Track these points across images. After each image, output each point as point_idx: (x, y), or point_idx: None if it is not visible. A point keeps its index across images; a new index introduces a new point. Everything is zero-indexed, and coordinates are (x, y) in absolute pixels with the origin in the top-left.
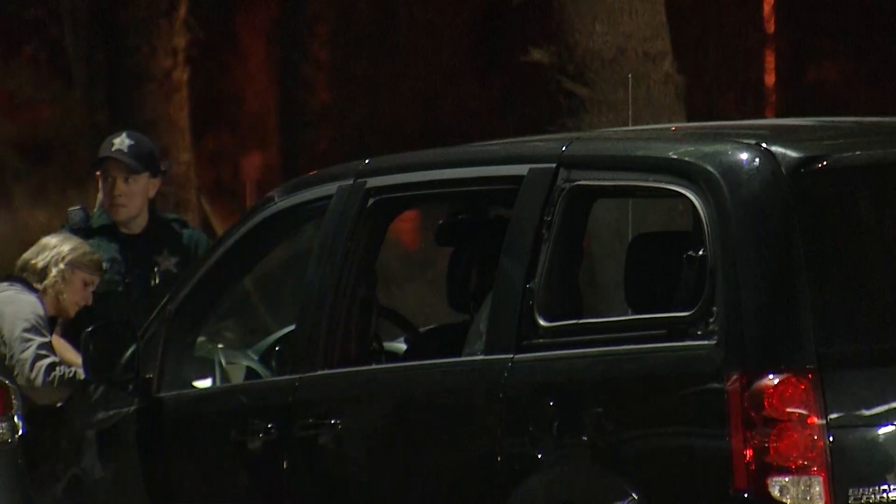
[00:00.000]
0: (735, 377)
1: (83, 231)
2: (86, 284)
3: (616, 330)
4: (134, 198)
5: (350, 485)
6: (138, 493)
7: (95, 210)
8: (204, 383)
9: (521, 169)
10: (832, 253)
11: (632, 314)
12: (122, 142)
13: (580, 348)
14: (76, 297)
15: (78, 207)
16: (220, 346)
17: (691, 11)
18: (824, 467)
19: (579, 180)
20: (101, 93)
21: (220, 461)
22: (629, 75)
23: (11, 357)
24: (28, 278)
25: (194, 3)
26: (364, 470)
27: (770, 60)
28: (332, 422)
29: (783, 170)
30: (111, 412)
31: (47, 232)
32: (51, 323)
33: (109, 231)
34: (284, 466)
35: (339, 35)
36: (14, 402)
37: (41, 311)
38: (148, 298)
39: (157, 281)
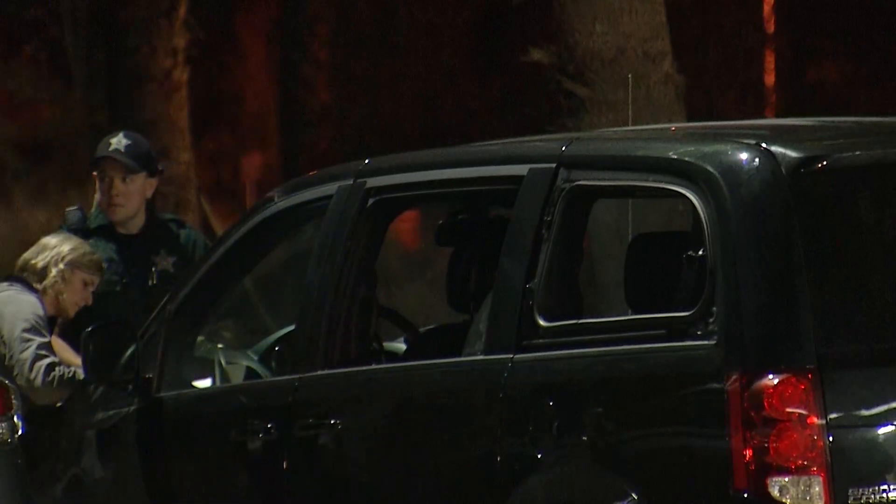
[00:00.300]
0: (735, 377)
1: (80, 231)
2: (86, 284)
3: (616, 330)
4: (131, 197)
5: (350, 485)
6: (138, 494)
7: (93, 210)
8: (204, 383)
9: (521, 169)
10: (832, 253)
11: (632, 314)
12: (119, 141)
13: (580, 348)
14: (76, 298)
15: (75, 208)
16: (220, 346)
17: (691, 11)
18: (824, 467)
19: (579, 180)
20: (101, 93)
21: (220, 461)
22: (629, 75)
23: (11, 357)
24: (28, 278)
25: (194, 4)
26: (364, 470)
27: (770, 60)
28: (332, 422)
29: (783, 170)
30: (111, 412)
31: (47, 232)
32: (50, 323)
33: (107, 231)
34: (284, 466)
35: (339, 35)
36: (14, 402)
37: (41, 312)
38: (146, 298)
39: (154, 281)
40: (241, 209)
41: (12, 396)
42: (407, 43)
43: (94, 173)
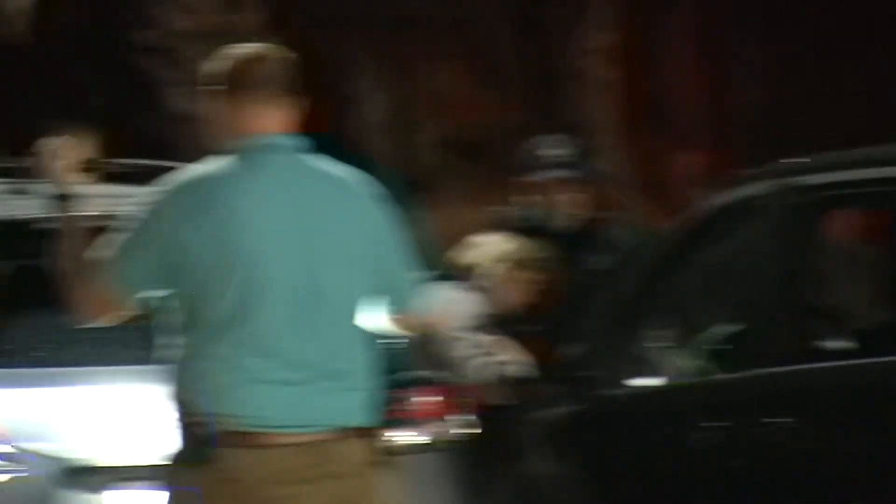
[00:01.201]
0: None
1: (515, 230)
2: (528, 283)
3: None
4: (580, 207)
5: (807, 487)
6: (586, 494)
7: (528, 209)
8: (646, 382)
9: None
10: None
11: None
12: (559, 154)
13: None
14: (519, 296)
15: (507, 207)
16: (661, 344)
17: None
18: None
19: None
20: (532, 92)
21: (666, 461)
22: None
23: (456, 356)
24: (468, 277)
25: (622, 2)
26: (815, 472)
27: None
28: (785, 420)
29: None
30: (557, 410)
31: (482, 231)
32: (493, 321)
33: (539, 231)
34: (738, 466)
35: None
36: (462, 401)
37: (482, 310)
38: (576, 297)
39: (586, 279)
40: (671, 208)
41: (461, 396)
42: None
43: (518, 177)
